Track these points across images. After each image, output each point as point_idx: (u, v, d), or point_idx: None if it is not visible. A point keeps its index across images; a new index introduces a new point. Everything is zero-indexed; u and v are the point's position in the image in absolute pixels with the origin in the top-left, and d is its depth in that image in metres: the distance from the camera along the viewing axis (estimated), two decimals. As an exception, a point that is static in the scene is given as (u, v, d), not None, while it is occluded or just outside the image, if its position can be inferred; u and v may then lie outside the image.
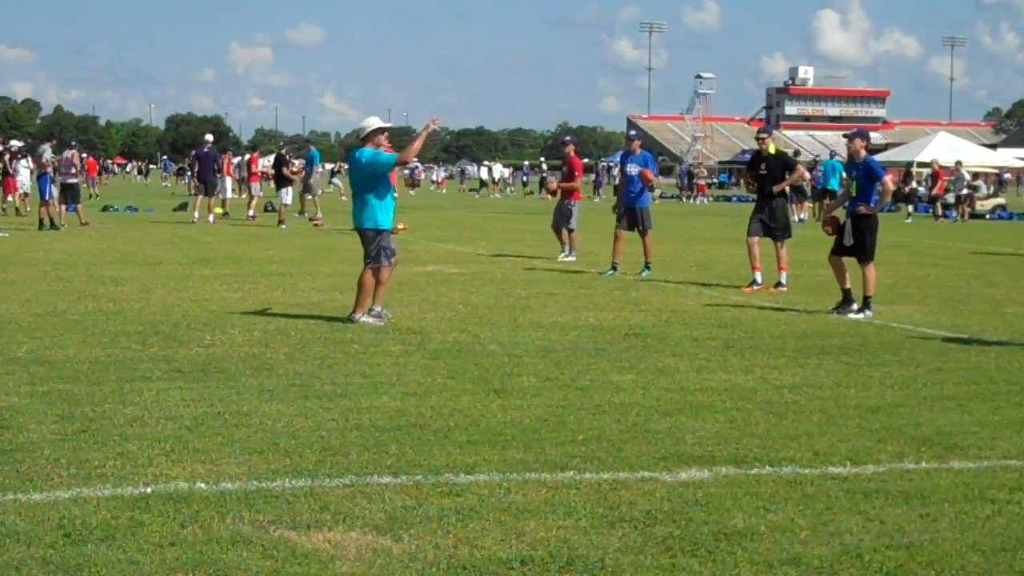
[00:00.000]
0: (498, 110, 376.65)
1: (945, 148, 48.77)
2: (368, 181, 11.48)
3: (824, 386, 8.67)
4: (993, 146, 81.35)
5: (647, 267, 17.25)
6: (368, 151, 11.53)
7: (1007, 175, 71.88)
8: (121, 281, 15.14)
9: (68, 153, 28.39)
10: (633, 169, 17.68)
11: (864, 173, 13.11)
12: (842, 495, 5.81)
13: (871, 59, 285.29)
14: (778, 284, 15.37)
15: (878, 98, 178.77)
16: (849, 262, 12.98)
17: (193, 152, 32.52)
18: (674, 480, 6.03)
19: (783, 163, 15.74)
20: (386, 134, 11.87)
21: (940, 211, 38.80)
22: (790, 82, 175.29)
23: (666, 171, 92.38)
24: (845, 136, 13.78)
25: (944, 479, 6.15)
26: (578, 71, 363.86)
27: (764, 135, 16.12)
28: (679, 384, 8.64)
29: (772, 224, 15.58)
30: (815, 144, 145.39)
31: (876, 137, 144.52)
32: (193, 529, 5.11)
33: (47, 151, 27.60)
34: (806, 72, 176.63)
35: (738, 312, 12.94)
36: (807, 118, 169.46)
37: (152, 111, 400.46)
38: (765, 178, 15.55)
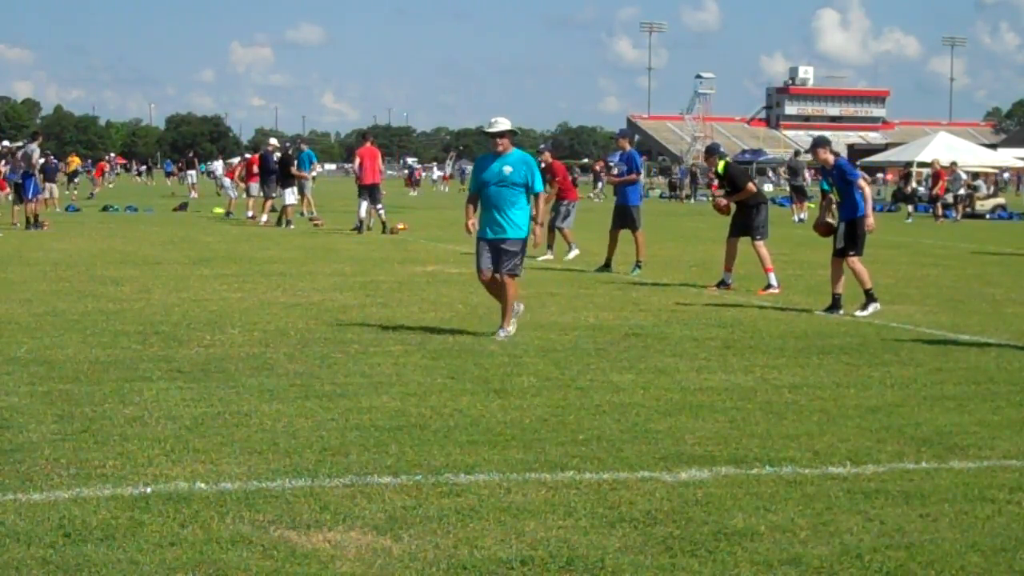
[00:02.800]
0: (498, 110, 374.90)
1: (945, 148, 48.68)
2: None
3: (824, 386, 8.67)
4: (993, 146, 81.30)
5: (637, 266, 17.36)
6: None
7: (1007, 175, 71.84)
8: (121, 281, 15.14)
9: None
10: (620, 167, 18.11)
11: (839, 178, 13.09)
12: (842, 495, 5.81)
13: (871, 59, 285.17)
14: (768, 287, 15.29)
15: (878, 98, 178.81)
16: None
17: (259, 153, 31.99)
18: (674, 480, 6.03)
19: (731, 179, 15.75)
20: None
21: (940, 211, 38.80)
22: (790, 82, 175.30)
23: (665, 171, 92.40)
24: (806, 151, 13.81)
25: (944, 479, 6.15)
26: (578, 71, 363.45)
27: (712, 156, 16.13)
28: (679, 384, 8.64)
29: (749, 223, 15.58)
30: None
31: (876, 137, 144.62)
32: (193, 529, 5.12)
33: (36, 151, 27.45)
34: (806, 72, 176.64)
35: (738, 312, 12.94)
36: (807, 118, 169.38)
37: (152, 111, 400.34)
38: (731, 194, 15.71)
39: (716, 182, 16.81)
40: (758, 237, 15.46)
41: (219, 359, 9.34)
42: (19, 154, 27.65)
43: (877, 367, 9.51)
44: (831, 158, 13.26)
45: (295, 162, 30.11)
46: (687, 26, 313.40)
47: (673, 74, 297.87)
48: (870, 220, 12.82)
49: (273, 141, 32.83)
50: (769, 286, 15.13)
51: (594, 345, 10.39)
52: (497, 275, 10.80)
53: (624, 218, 17.83)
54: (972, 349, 10.55)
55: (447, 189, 73.57)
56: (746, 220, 15.56)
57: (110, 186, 55.58)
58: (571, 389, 8.38)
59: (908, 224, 35.94)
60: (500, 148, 10.93)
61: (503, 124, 10.95)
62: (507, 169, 10.84)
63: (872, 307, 12.64)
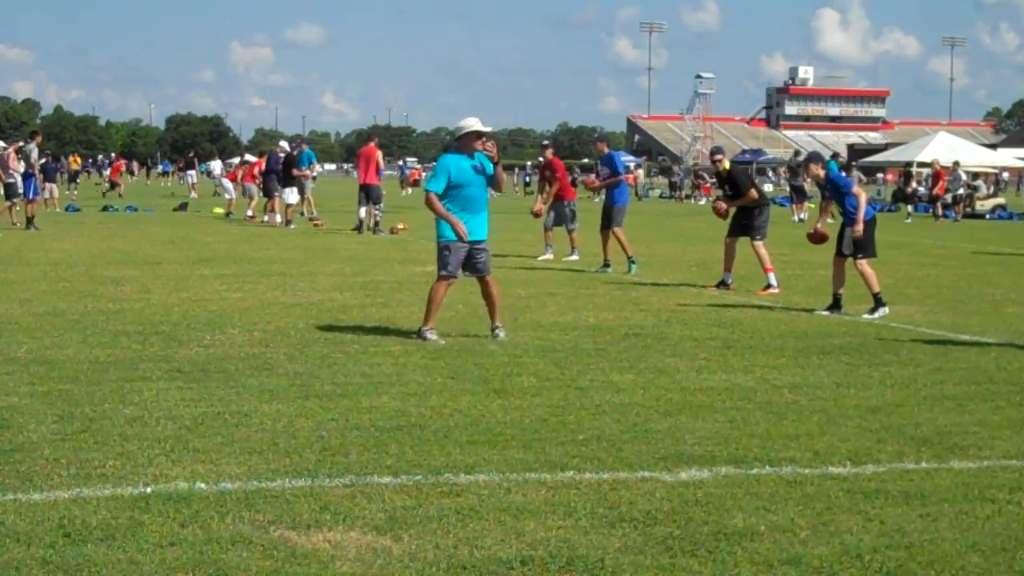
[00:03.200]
0: (498, 110, 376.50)
1: (945, 148, 48.68)
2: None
3: (824, 386, 8.67)
4: (993, 146, 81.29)
5: (631, 262, 17.52)
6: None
7: (1007, 175, 71.82)
8: (121, 281, 15.14)
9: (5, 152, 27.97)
10: (603, 171, 18.69)
11: (834, 191, 13.25)
12: (842, 495, 5.81)
13: (871, 59, 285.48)
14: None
15: (878, 98, 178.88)
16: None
17: (265, 156, 31.96)
18: (674, 480, 6.03)
19: (734, 182, 15.84)
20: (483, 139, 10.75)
21: (940, 211, 38.81)
22: (790, 82, 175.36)
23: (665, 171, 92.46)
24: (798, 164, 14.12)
25: (944, 479, 6.15)
26: (578, 71, 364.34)
27: (719, 155, 16.23)
28: (679, 384, 8.64)
29: (749, 223, 15.67)
30: (815, 144, 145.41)
31: (876, 137, 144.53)
32: (193, 529, 5.12)
33: (35, 150, 27.49)
34: (806, 72, 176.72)
35: (738, 312, 12.94)
36: (807, 118, 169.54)
37: (152, 111, 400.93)
38: (732, 197, 15.81)
39: (709, 184, 17.29)
40: (757, 237, 15.47)
41: (219, 359, 9.34)
42: (6, 153, 27.55)
43: (877, 367, 9.51)
44: (822, 173, 13.33)
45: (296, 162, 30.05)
46: (687, 26, 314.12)
47: (673, 74, 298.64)
48: (858, 227, 12.83)
49: (283, 143, 32.80)
50: (769, 286, 15.12)
51: (594, 345, 10.38)
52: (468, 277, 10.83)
53: (608, 218, 17.99)
54: (972, 349, 10.55)
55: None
56: (746, 220, 15.58)
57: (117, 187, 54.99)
58: (571, 389, 8.38)
59: (908, 224, 35.95)
60: (478, 149, 10.66)
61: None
62: (478, 167, 10.67)
63: (880, 311, 12.63)
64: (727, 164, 15.82)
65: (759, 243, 15.42)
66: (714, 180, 17.75)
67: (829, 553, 4.95)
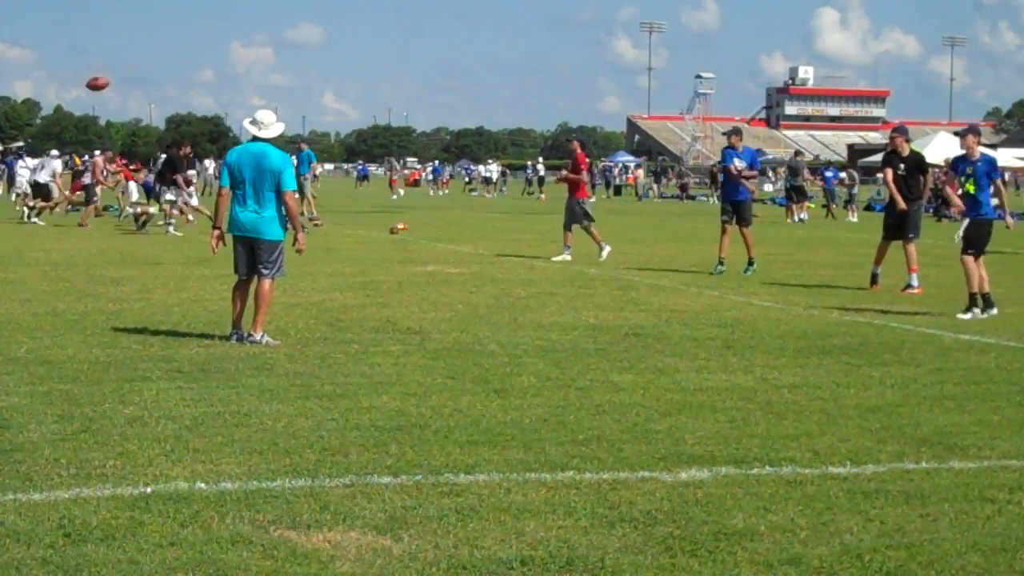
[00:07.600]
0: (498, 110, 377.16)
1: (945, 148, 48.70)
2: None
3: (824, 386, 8.66)
4: (993, 146, 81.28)
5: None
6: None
7: (1007, 175, 71.84)
8: (121, 281, 15.13)
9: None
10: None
11: (983, 173, 13.97)
12: (842, 495, 5.81)
13: (871, 59, 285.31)
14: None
15: (878, 98, 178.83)
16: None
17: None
18: (674, 480, 6.03)
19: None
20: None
21: (944, 211, 38.76)
22: (790, 82, 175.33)
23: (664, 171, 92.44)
24: (957, 134, 14.52)
25: (944, 479, 6.15)
26: (578, 71, 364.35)
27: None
28: (679, 384, 8.64)
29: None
30: (815, 144, 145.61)
31: (876, 137, 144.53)
32: (193, 529, 5.11)
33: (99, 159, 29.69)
34: (806, 72, 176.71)
35: (738, 312, 12.94)
36: (807, 118, 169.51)
37: (152, 111, 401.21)
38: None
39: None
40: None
41: (219, 359, 9.34)
42: (92, 162, 29.80)
43: (877, 367, 9.51)
44: (977, 150, 13.90)
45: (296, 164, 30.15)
46: (687, 26, 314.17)
47: (673, 74, 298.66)
48: (1009, 220, 13.34)
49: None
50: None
51: (594, 345, 10.38)
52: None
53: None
54: (972, 349, 10.55)
55: (446, 192, 73.47)
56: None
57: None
58: (571, 389, 8.37)
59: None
60: None
61: None
62: None
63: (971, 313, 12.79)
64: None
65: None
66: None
67: (829, 553, 4.95)
